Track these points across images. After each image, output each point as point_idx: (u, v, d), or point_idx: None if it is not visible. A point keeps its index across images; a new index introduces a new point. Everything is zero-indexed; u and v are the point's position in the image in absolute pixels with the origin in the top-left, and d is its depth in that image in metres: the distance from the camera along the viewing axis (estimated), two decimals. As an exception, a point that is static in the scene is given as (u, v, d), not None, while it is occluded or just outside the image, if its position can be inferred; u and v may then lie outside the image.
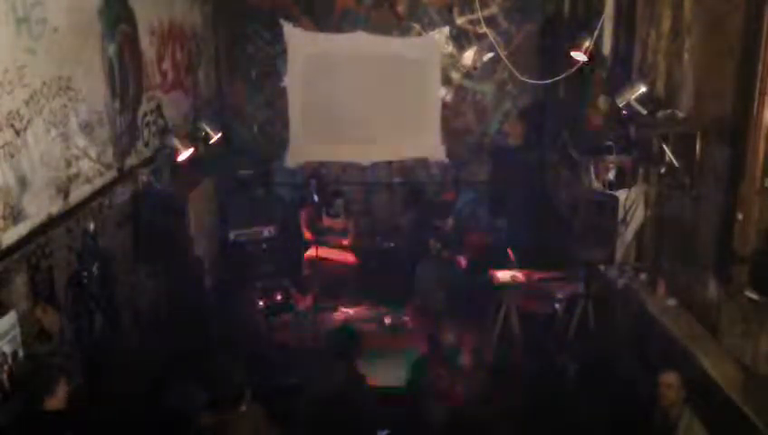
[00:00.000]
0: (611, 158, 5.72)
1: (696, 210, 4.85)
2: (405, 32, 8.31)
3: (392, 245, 8.01)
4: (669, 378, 4.15)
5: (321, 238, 7.69)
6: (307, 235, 7.89)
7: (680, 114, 4.99)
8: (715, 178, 4.55)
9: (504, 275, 6.69)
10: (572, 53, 6.41)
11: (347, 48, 8.28)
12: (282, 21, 8.19)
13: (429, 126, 8.57)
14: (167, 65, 6.42)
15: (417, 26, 8.30)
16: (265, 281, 7.64)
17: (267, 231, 7.89)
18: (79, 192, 4.58)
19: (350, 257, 7.87)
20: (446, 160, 8.66)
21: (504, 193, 8.28)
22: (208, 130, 6.94)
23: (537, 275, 6.63)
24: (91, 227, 4.72)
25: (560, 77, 7.11)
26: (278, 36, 8.26)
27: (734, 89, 4.28)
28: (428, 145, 8.64)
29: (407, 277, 7.73)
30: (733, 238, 4.24)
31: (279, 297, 7.62)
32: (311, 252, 7.63)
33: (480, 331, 6.80)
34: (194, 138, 6.69)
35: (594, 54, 6.23)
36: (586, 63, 6.28)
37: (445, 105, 8.53)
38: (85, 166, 4.67)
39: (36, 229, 4.01)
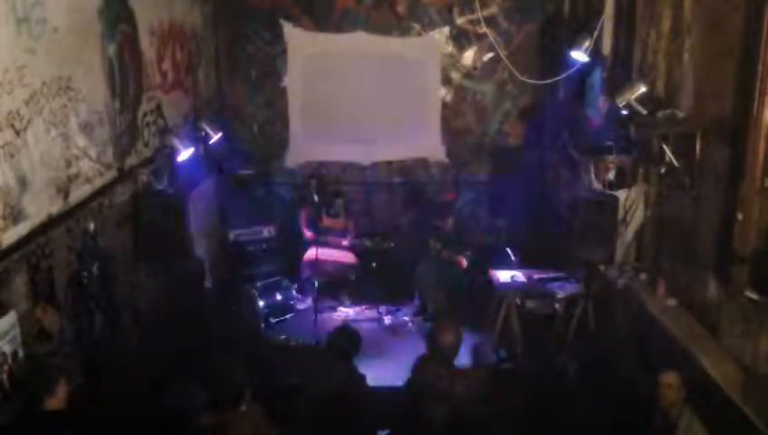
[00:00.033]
0: (611, 158, 5.72)
1: (696, 210, 4.85)
2: (405, 32, 8.31)
3: (392, 245, 8.00)
4: (669, 378, 4.15)
5: (321, 238, 7.69)
6: (307, 235, 7.89)
7: (680, 114, 4.99)
8: (715, 178, 4.55)
9: (504, 275, 6.70)
10: (572, 53, 6.42)
11: (347, 48, 8.28)
12: (282, 21, 8.18)
13: (429, 126, 8.57)
14: (167, 65, 6.41)
15: (417, 26, 8.29)
16: (265, 281, 7.66)
17: (267, 231, 7.90)
18: (79, 192, 4.57)
19: (350, 257, 7.87)
20: (446, 160, 8.66)
21: (504, 193, 8.28)
22: (208, 130, 6.95)
23: (537, 275, 6.64)
24: (91, 227, 4.71)
25: (560, 77, 7.13)
26: (278, 36, 8.25)
27: (734, 89, 4.28)
28: (428, 145, 8.64)
29: (407, 277, 7.74)
30: (733, 238, 4.24)
31: (279, 297, 7.64)
32: (310, 252, 7.63)
33: (480, 331, 6.82)
34: (194, 138, 6.70)
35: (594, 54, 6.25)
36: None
37: (445, 105, 8.53)
38: (85, 166, 4.67)
39: (36, 229, 4.01)
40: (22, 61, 3.85)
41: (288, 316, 7.60)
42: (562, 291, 6.37)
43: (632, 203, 5.80)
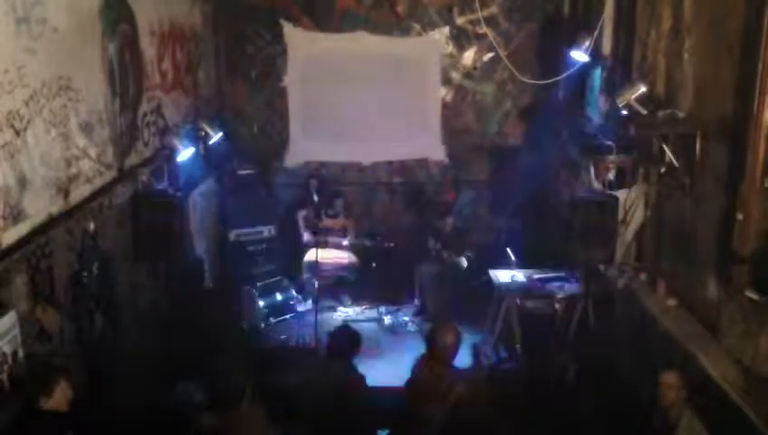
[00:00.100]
0: (611, 158, 5.72)
1: (696, 210, 4.85)
2: (405, 32, 8.31)
3: (392, 245, 8.00)
4: (669, 378, 4.15)
5: (320, 238, 7.69)
6: (307, 235, 7.89)
7: (680, 114, 4.99)
8: (715, 178, 4.55)
9: (504, 275, 6.70)
10: (572, 53, 6.42)
11: (347, 48, 8.28)
12: (282, 21, 8.18)
13: (429, 126, 8.57)
14: (167, 65, 6.42)
15: (417, 26, 8.29)
16: (265, 281, 7.66)
17: (267, 231, 7.90)
18: (79, 192, 4.57)
19: (350, 257, 7.87)
20: (446, 160, 8.66)
21: (504, 193, 8.28)
22: (208, 130, 6.95)
23: (537, 275, 6.63)
24: (91, 227, 4.72)
25: (560, 77, 7.13)
26: (278, 36, 8.25)
27: (734, 89, 4.28)
28: (428, 145, 8.63)
29: (407, 277, 7.74)
30: (733, 238, 4.24)
31: (279, 297, 7.65)
32: (311, 253, 7.63)
33: (480, 331, 6.82)
34: (194, 138, 6.70)
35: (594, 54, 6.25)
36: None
37: (445, 105, 8.53)
38: (85, 166, 4.67)
39: (36, 229, 4.01)
40: (22, 61, 3.85)
41: (288, 316, 7.60)
42: (562, 291, 6.37)
43: (632, 203, 5.80)
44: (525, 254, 7.21)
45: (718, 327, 4.55)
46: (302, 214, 8.05)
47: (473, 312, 6.97)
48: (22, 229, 3.87)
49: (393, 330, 7.40)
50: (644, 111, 5.12)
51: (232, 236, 7.77)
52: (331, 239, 7.88)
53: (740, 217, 4.15)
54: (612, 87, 6.03)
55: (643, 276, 5.70)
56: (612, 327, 5.89)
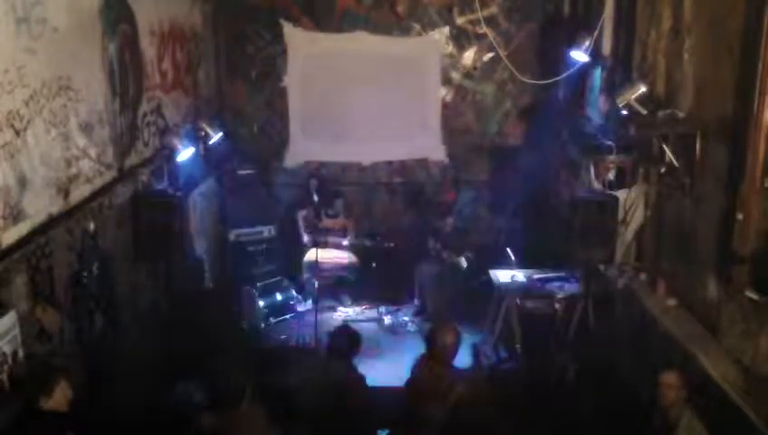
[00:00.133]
0: (611, 158, 5.72)
1: (696, 210, 4.85)
2: (405, 32, 8.30)
3: (392, 245, 8.00)
4: (669, 378, 4.15)
5: (320, 238, 7.69)
6: (305, 240, 7.89)
7: (680, 114, 4.99)
8: (715, 178, 4.55)
9: (504, 275, 6.70)
10: (572, 53, 6.42)
11: (347, 48, 8.28)
12: (282, 21, 8.18)
13: (429, 126, 8.57)
14: (167, 65, 6.42)
15: (417, 26, 8.29)
16: (265, 281, 7.66)
17: (267, 231, 7.90)
18: (79, 192, 4.57)
19: (350, 257, 7.87)
20: (446, 160, 8.66)
21: (504, 193, 8.28)
22: (208, 130, 6.95)
23: (537, 275, 6.64)
24: (91, 227, 4.72)
25: (560, 77, 7.13)
26: (278, 36, 8.25)
27: (734, 89, 4.28)
28: (428, 145, 8.63)
29: (407, 277, 7.75)
30: (733, 238, 4.24)
31: (279, 297, 7.65)
32: (311, 253, 7.63)
33: (480, 331, 6.82)
34: (194, 138, 6.70)
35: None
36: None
37: (445, 105, 8.52)
38: (85, 166, 4.67)
39: (36, 229, 4.01)
40: (22, 61, 3.85)
41: (288, 316, 7.60)
42: (562, 291, 6.37)
43: (632, 203, 5.80)
44: (525, 254, 7.21)
45: (718, 327, 4.55)
46: (301, 214, 8.05)
47: (473, 312, 6.97)
48: (22, 229, 3.87)
49: (393, 330, 7.40)
50: (644, 111, 5.12)
51: (232, 236, 7.78)
52: (331, 239, 7.88)
53: (740, 217, 4.15)
54: (612, 87, 6.03)
55: (643, 276, 5.70)
56: (612, 327, 5.89)
